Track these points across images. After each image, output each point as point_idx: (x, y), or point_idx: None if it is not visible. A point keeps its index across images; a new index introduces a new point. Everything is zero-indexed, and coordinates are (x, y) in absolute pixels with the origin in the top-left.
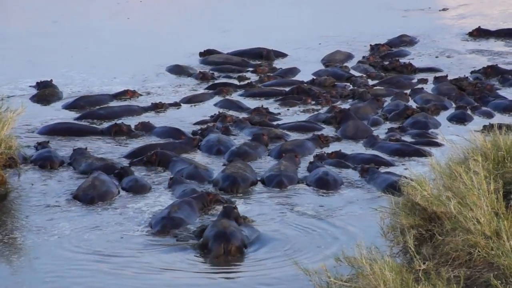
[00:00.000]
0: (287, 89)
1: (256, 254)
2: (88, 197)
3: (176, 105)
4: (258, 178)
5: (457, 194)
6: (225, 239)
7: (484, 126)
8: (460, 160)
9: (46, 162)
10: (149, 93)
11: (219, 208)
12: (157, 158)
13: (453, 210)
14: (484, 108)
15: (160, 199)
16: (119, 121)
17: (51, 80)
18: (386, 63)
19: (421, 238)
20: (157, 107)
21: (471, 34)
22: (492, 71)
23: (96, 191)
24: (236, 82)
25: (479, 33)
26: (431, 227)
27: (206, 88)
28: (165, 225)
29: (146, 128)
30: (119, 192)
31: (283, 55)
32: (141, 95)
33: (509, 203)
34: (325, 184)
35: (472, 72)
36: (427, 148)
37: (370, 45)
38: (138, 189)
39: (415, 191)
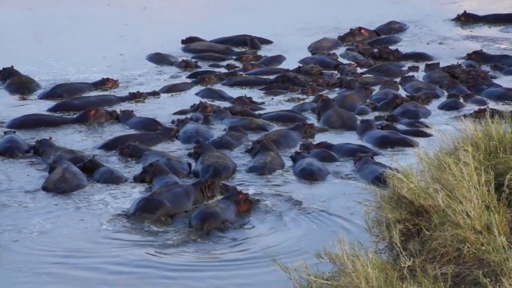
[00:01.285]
0: (271, 77)
1: (233, 250)
2: (59, 190)
3: (155, 94)
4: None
5: (446, 186)
6: (203, 218)
7: (475, 112)
8: (450, 150)
9: (8, 150)
10: (128, 82)
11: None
12: (129, 151)
13: (441, 203)
14: (477, 97)
15: (135, 190)
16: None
17: (12, 67)
18: (376, 50)
19: (408, 233)
20: (135, 97)
21: (458, 19)
22: (476, 56)
23: (67, 184)
24: (220, 70)
25: (467, 18)
26: (419, 221)
27: (188, 77)
28: (140, 208)
29: (127, 116)
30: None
31: (268, 42)
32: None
33: (501, 195)
34: (310, 174)
35: (457, 59)
36: (415, 138)
37: (350, 29)
38: (114, 180)
39: (401, 184)
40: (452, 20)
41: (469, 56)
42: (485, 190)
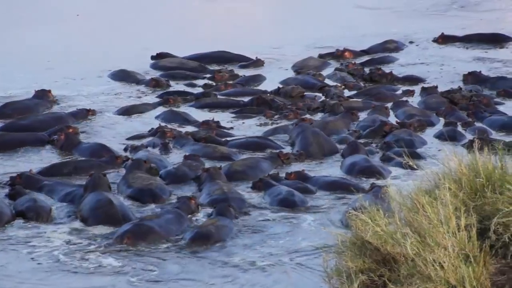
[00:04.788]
0: (246, 99)
1: None
2: None
3: (92, 113)
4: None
5: (419, 231)
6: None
7: (469, 142)
8: (430, 188)
9: None
10: (76, 101)
11: None
12: (22, 181)
13: (409, 251)
14: (478, 125)
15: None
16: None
17: None
18: (367, 71)
19: (372, 285)
20: (87, 115)
21: (436, 41)
22: (472, 78)
23: None
24: (195, 90)
25: (445, 40)
26: (385, 272)
27: (157, 97)
28: (123, 234)
29: (71, 140)
30: (13, 217)
31: (248, 60)
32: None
33: (485, 243)
34: (292, 204)
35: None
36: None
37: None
38: (37, 210)
39: (365, 226)
40: (433, 41)
41: (465, 77)
42: (465, 236)
